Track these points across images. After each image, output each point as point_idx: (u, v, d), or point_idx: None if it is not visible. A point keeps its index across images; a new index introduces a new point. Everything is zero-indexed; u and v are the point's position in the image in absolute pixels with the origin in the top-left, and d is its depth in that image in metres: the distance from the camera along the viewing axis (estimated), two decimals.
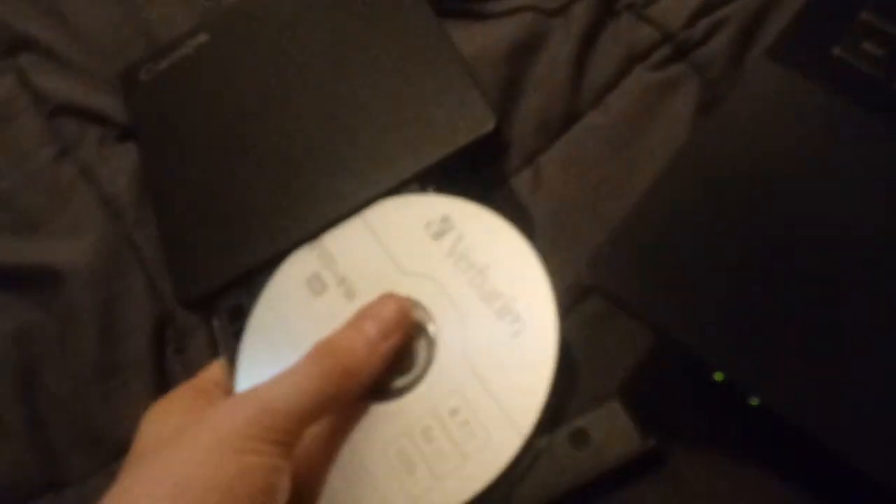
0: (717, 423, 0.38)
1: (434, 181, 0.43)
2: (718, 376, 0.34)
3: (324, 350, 0.37)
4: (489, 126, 0.42)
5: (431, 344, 0.39)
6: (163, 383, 0.47)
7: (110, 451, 0.46)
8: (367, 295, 0.40)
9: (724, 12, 0.47)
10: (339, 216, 0.43)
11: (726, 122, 0.39)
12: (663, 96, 0.46)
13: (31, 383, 0.48)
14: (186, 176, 0.47)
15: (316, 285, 0.42)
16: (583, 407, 0.38)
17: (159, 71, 0.50)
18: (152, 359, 0.47)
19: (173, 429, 0.35)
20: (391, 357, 0.38)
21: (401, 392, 0.38)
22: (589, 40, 0.48)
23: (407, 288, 0.40)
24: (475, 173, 0.45)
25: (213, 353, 0.45)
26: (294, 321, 0.41)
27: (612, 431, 0.37)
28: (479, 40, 0.48)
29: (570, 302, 0.42)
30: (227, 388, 0.41)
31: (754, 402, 0.34)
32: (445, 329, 0.39)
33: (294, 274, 0.43)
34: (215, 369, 0.42)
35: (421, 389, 0.38)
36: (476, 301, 0.39)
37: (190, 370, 0.46)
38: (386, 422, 0.38)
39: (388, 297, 0.39)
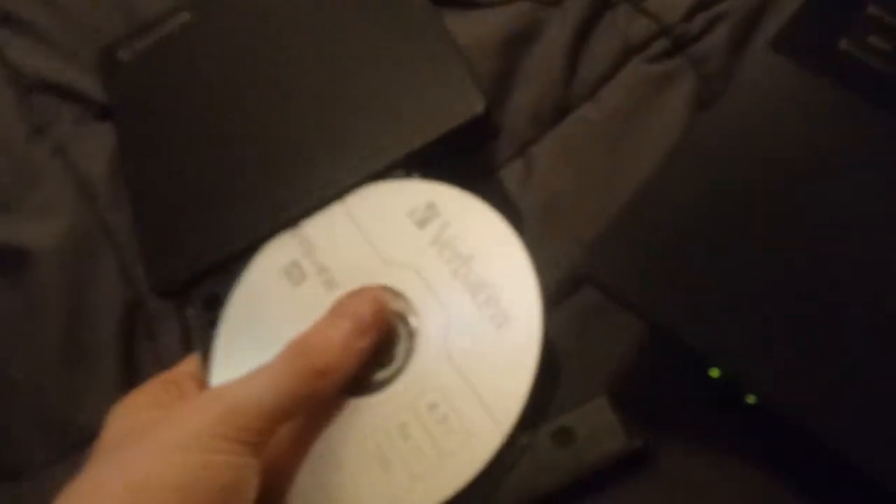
0: (711, 422, 0.37)
1: (420, 167, 0.41)
2: (714, 372, 0.34)
3: (297, 349, 0.36)
4: (478, 109, 0.41)
5: (413, 336, 0.37)
6: (131, 371, 0.45)
7: (73, 439, 0.44)
8: (347, 285, 0.39)
9: (722, 7, 0.46)
10: (321, 202, 0.41)
11: (727, 113, 0.38)
12: (659, 90, 0.45)
13: None
14: (164, 159, 0.46)
15: (295, 274, 0.40)
16: (569, 404, 0.37)
17: (139, 50, 0.49)
18: (121, 345, 0.46)
19: (140, 424, 0.34)
20: (368, 355, 0.37)
21: (380, 386, 0.37)
22: (585, 31, 0.47)
23: (389, 278, 0.39)
24: (463, 161, 0.44)
25: (186, 342, 0.44)
26: (272, 311, 0.40)
27: (598, 430, 0.36)
28: (473, 29, 0.47)
29: (559, 296, 0.41)
30: (202, 380, 0.39)
31: (750, 399, 0.33)
32: (428, 321, 0.38)
33: (272, 262, 0.41)
34: (190, 363, 0.40)
35: (400, 383, 0.37)
36: (460, 292, 0.37)
37: (160, 358, 0.45)
38: (362, 417, 0.37)
39: (364, 293, 0.38)
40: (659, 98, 0.45)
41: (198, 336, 0.41)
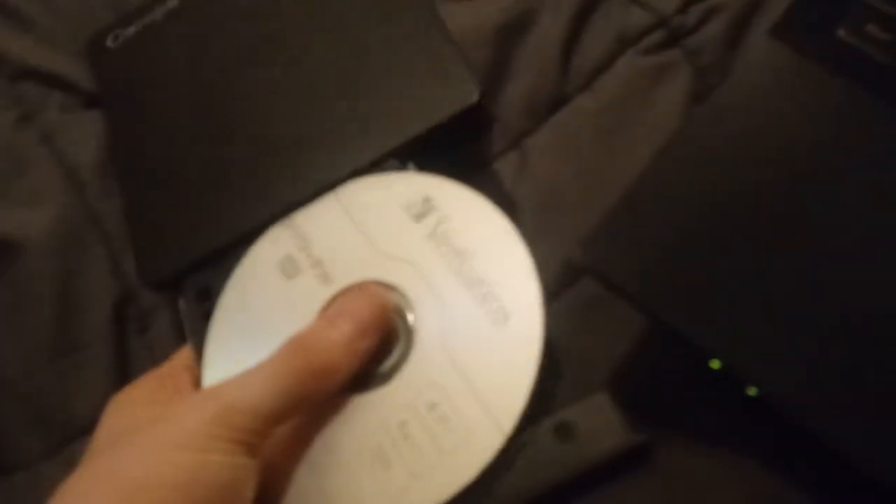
0: (712, 416, 0.36)
1: (414, 157, 0.41)
2: (714, 364, 0.33)
3: (296, 348, 0.35)
4: (473, 98, 0.40)
5: (410, 333, 0.37)
6: (123, 364, 0.45)
7: (64, 434, 0.44)
8: (343, 279, 0.38)
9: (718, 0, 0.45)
10: (314, 193, 0.41)
11: (725, 101, 0.38)
12: (654, 82, 0.45)
13: None
14: (154, 148, 0.45)
15: (289, 268, 0.40)
16: (569, 398, 0.37)
17: (127, 37, 0.48)
18: (112, 338, 0.45)
19: (136, 421, 0.34)
20: (369, 357, 0.36)
21: (377, 383, 0.36)
22: (579, 22, 0.47)
23: (385, 272, 0.38)
24: (457, 152, 0.43)
25: (178, 335, 0.43)
26: (265, 306, 0.39)
27: (600, 425, 0.36)
28: (467, 18, 0.47)
29: (556, 289, 0.41)
30: (195, 374, 0.39)
31: (751, 391, 0.33)
32: (425, 317, 0.37)
33: (266, 255, 0.41)
34: (184, 355, 0.40)
35: (398, 381, 0.36)
36: (458, 288, 0.37)
37: (153, 351, 0.45)
38: (360, 415, 0.36)
39: (367, 292, 0.37)
40: (654, 90, 0.45)
41: (190, 327, 0.40)
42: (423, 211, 0.39)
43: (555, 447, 0.36)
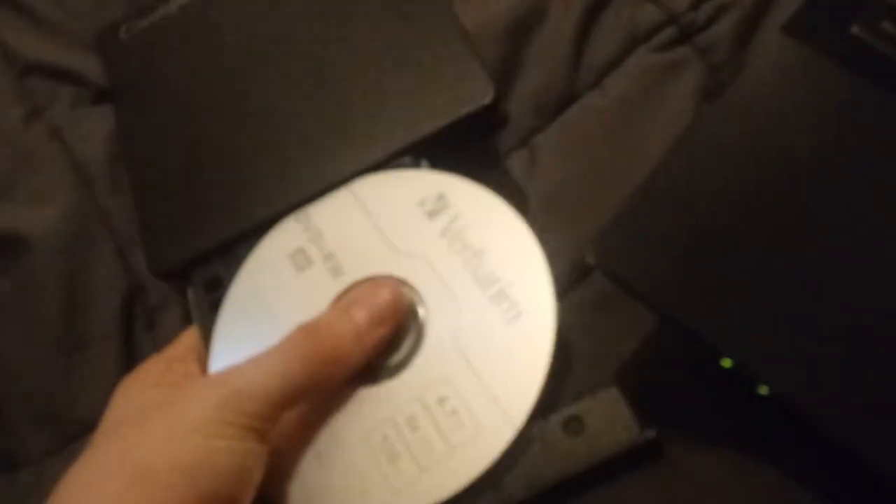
0: (721, 413, 0.36)
1: (427, 155, 0.41)
2: (726, 363, 0.33)
3: (307, 334, 0.35)
4: (488, 98, 0.41)
5: (420, 328, 0.37)
6: (130, 360, 0.45)
7: (70, 430, 0.43)
8: (354, 273, 0.39)
9: None
10: (325, 187, 0.41)
11: (738, 97, 0.37)
12: (665, 79, 0.45)
13: None
14: (165, 139, 0.45)
15: (300, 260, 0.40)
16: (579, 393, 0.36)
17: (140, 30, 0.48)
18: (119, 334, 0.45)
19: (145, 404, 0.34)
20: (380, 348, 0.36)
21: (386, 376, 0.37)
22: (590, 19, 0.46)
23: (397, 267, 0.38)
24: (469, 150, 0.43)
25: (187, 328, 0.43)
26: (275, 296, 0.39)
27: (609, 420, 0.35)
28: (477, 14, 0.46)
29: (565, 286, 0.41)
30: (202, 356, 0.39)
31: (763, 390, 0.32)
32: (436, 313, 0.37)
33: (278, 246, 0.41)
34: (189, 337, 0.40)
35: (407, 375, 0.36)
36: (470, 285, 0.37)
37: (160, 347, 0.44)
38: (369, 407, 0.36)
39: (382, 283, 0.37)
40: (665, 87, 0.44)
41: (198, 317, 0.40)
42: (437, 208, 0.39)
43: (564, 441, 0.35)
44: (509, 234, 0.38)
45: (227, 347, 0.39)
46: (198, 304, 0.40)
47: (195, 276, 0.41)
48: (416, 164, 0.41)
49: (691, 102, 0.44)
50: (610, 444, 0.35)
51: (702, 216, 0.35)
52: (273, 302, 0.39)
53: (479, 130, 0.44)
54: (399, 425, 0.35)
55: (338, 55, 0.44)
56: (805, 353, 0.32)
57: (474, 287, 0.37)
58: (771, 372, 0.32)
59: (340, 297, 0.38)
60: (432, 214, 0.39)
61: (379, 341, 0.36)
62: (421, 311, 0.37)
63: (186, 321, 0.43)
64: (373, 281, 0.38)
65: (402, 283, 0.38)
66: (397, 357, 0.37)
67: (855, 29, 0.37)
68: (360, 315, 0.36)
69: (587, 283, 0.41)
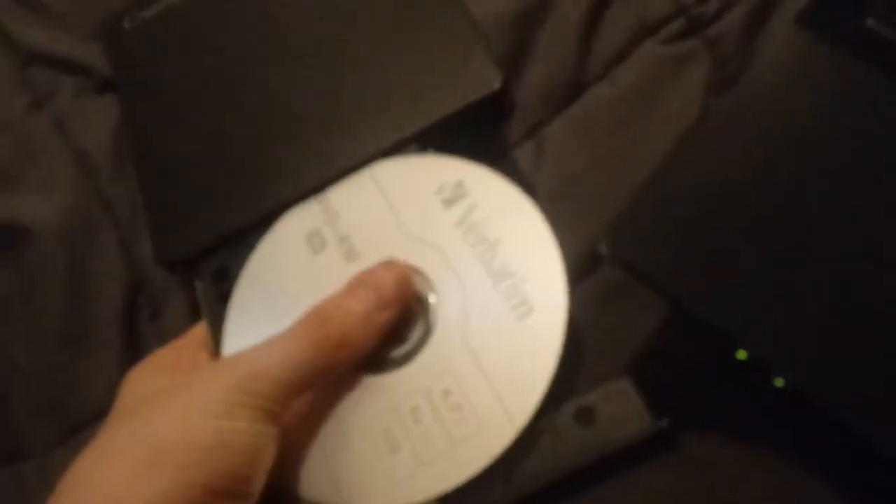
0: (736, 405, 0.36)
1: (434, 143, 0.41)
2: (741, 354, 0.33)
3: (316, 318, 0.35)
4: (495, 85, 0.40)
5: (429, 318, 0.37)
6: (134, 350, 0.44)
7: (75, 421, 0.43)
8: (368, 257, 0.38)
9: None
10: (331, 176, 0.41)
11: (750, 87, 0.37)
12: (673, 71, 0.44)
13: None
14: (171, 130, 0.45)
15: (316, 242, 0.40)
16: (588, 382, 0.36)
17: (145, 19, 0.48)
18: (123, 325, 0.45)
19: (156, 389, 0.34)
20: (388, 330, 0.36)
21: (393, 365, 0.36)
22: (599, 10, 0.46)
23: (410, 254, 0.38)
24: (476, 139, 0.43)
25: (191, 319, 0.43)
26: (289, 277, 0.39)
27: (621, 410, 0.35)
28: (486, 3, 0.46)
29: (573, 277, 0.40)
30: (211, 347, 0.39)
31: (779, 382, 0.32)
32: (447, 304, 0.37)
33: (294, 227, 0.40)
34: (199, 330, 0.40)
35: (414, 365, 0.36)
36: (483, 278, 0.37)
37: (164, 338, 0.44)
38: (374, 396, 0.36)
39: (388, 265, 0.37)
40: (673, 80, 0.44)
41: (206, 308, 0.40)
42: (454, 196, 0.39)
43: (575, 432, 0.35)
44: (526, 228, 0.37)
45: (241, 326, 0.38)
46: (205, 295, 0.40)
47: (202, 268, 0.41)
48: (422, 152, 0.40)
49: (699, 95, 0.43)
50: (622, 434, 0.35)
51: (717, 207, 0.35)
52: (287, 282, 0.39)
53: (487, 119, 0.44)
54: (403, 416, 0.35)
55: (345, 43, 0.43)
56: (821, 346, 0.32)
57: (487, 280, 0.36)
58: (786, 365, 0.32)
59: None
60: (449, 202, 0.38)
61: (387, 323, 0.36)
62: (432, 300, 0.37)
63: (191, 312, 0.43)
64: (381, 264, 0.37)
65: (414, 270, 0.37)
66: (405, 347, 0.36)
67: (870, 21, 0.37)
68: (368, 297, 0.36)
69: (599, 274, 0.40)
